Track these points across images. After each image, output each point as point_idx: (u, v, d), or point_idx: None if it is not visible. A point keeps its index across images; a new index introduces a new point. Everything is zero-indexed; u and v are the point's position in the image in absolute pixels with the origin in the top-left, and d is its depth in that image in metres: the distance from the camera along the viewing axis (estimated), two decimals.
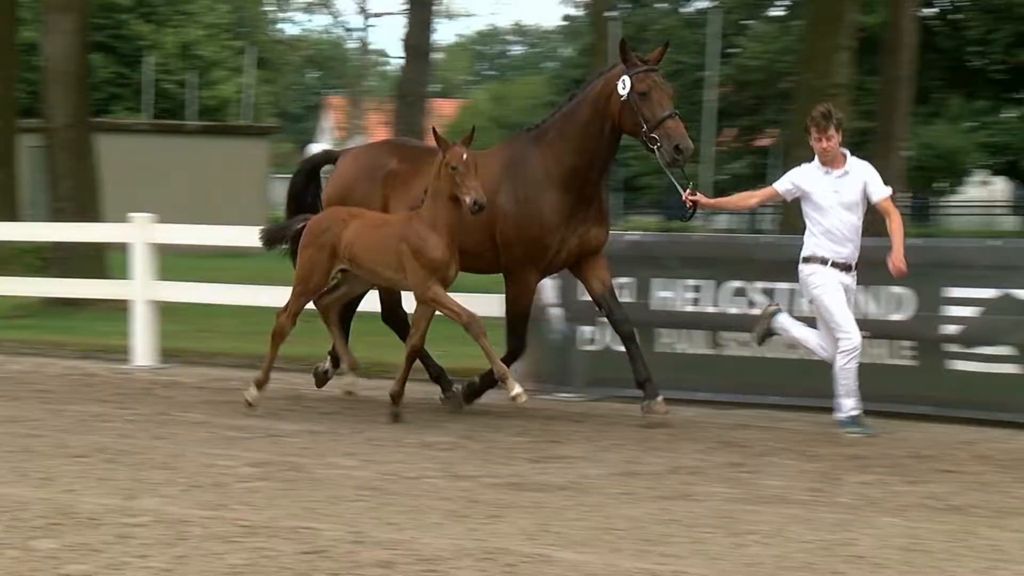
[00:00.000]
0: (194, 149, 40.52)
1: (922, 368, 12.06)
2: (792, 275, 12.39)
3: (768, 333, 11.64)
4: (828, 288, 11.04)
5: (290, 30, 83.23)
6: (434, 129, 11.29)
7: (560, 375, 13.54)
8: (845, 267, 11.11)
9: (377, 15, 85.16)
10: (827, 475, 9.55)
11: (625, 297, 13.08)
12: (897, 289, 12.08)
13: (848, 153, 11.28)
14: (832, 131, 11.02)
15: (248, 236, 13.69)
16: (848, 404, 11.08)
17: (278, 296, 14.72)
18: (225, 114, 57.37)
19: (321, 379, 12.67)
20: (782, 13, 55.58)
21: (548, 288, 13.41)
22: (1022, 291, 11.68)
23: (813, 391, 12.16)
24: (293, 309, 11.81)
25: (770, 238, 17.55)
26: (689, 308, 13.06)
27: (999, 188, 60.22)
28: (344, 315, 12.50)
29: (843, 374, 11.03)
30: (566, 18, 75.64)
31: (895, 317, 12.15)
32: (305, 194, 12.73)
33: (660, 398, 11.49)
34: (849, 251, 11.11)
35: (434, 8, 32.19)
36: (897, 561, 6.94)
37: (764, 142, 56.07)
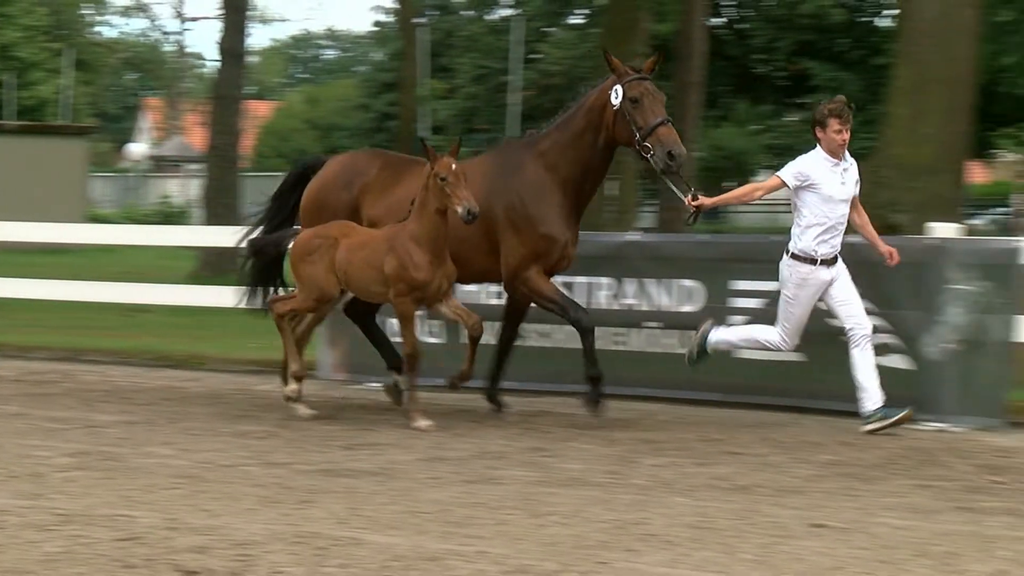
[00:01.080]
0: (12, 148, 39.59)
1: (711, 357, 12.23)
2: (589, 269, 12.59)
3: (702, 351, 11.23)
4: (808, 296, 10.65)
5: (108, 33, 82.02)
6: (423, 140, 10.79)
7: (371, 366, 13.51)
8: (833, 260, 10.65)
9: (193, 19, 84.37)
10: (623, 458, 9.64)
11: None
12: (688, 282, 12.28)
13: None
14: (850, 123, 10.65)
15: (69, 233, 13.35)
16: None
17: (102, 292, 14.60)
18: (44, 114, 56.41)
19: (394, 393, 11.74)
20: (581, 21, 55.98)
21: None
22: None
23: (614, 380, 12.30)
24: (296, 308, 11.10)
25: None
26: (494, 302, 13.12)
27: None
28: (367, 322, 11.97)
29: (751, 344, 11.08)
30: (376, 24, 75.56)
31: (686, 309, 12.33)
32: (290, 197, 11.90)
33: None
34: (840, 242, 10.71)
35: (248, 13, 32.01)
36: (686, 538, 7.03)
37: None
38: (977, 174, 53.75)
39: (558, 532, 7.18)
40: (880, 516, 7.70)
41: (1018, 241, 11.62)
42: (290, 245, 11.25)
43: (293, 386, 11.14)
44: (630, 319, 12.59)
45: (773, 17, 50.26)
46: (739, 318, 11.96)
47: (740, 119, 49.40)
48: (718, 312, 11.98)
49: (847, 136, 10.56)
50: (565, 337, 12.66)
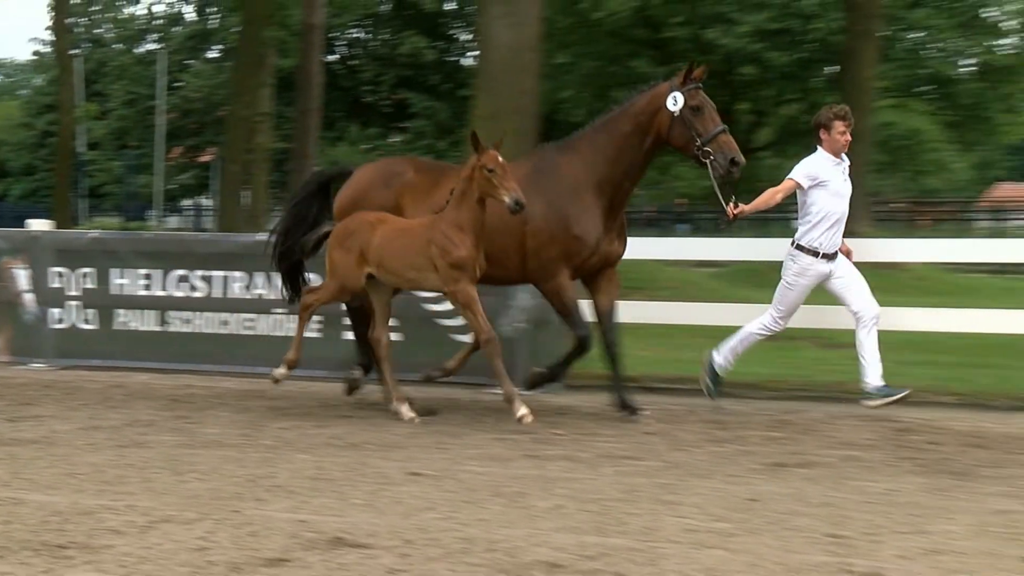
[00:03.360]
0: None
1: (325, 339, 12.27)
2: (224, 265, 12.49)
3: (715, 379, 10.35)
4: (805, 285, 9.94)
5: None
6: (474, 133, 9.36)
7: (33, 349, 13.14)
8: (833, 256, 9.92)
9: None
10: (254, 423, 9.53)
11: (87, 284, 12.94)
12: (307, 275, 12.25)
13: None
14: (851, 125, 9.98)
15: None
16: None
17: None
18: None
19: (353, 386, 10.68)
20: (217, 55, 55.23)
21: (22, 276, 13.11)
22: None
23: (244, 360, 12.32)
24: (323, 298, 9.94)
25: (206, 235, 17.54)
26: (142, 293, 12.91)
27: None
28: (359, 317, 10.63)
29: (749, 339, 10.22)
30: (36, 53, 72.92)
31: None
32: (311, 205, 10.57)
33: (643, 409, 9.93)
34: (840, 238, 10.01)
35: None
36: (307, 488, 7.00)
37: (205, 158, 55.76)
38: None
39: (198, 486, 7.06)
40: (465, 464, 7.82)
41: None
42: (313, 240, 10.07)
43: (283, 370, 9.96)
44: (260, 307, 12.52)
45: (378, 55, 50.66)
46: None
47: (352, 139, 49.43)
48: None
49: (849, 137, 9.92)
50: (204, 323, 12.63)
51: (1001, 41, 41.56)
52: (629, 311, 12.52)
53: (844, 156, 9.94)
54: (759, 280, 20.51)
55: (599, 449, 8.47)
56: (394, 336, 11.88)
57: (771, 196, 9.82)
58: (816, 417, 9.83)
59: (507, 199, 8.85)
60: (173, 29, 57.65)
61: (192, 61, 55.91)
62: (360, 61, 51.42)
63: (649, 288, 17.45)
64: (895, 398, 9.71)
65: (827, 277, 9.86)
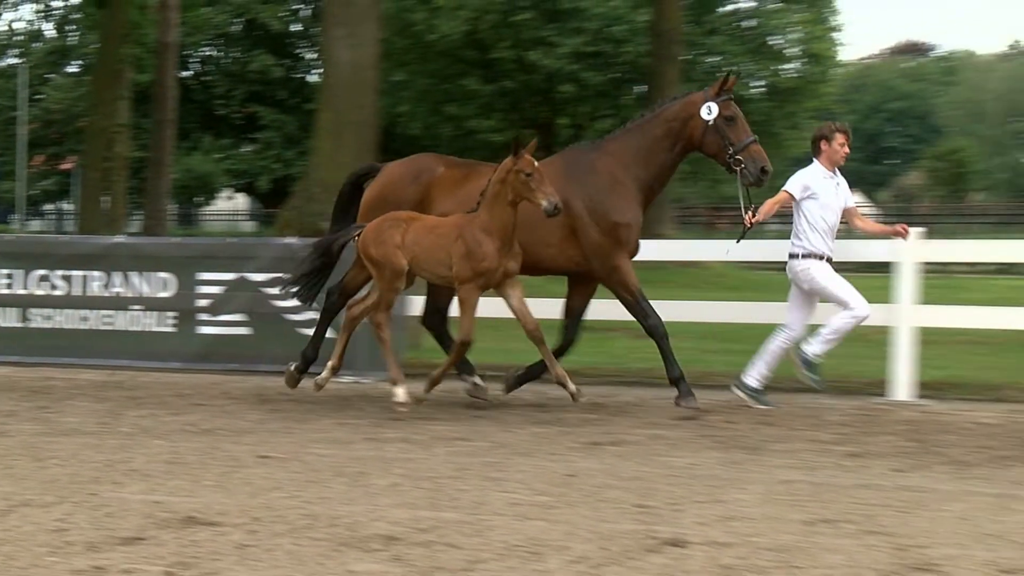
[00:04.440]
0: None
1: (179, 333, 12.07)
2: (85, 265, 12.20)
3: (811, 369, 9.47)
4: (828, 275, 9.40)
5: None
6: (516, 138, 8.87)
7: None
8: (830, 260, 9.49)
9: None
10: (112, 412, 9.30)
11: None
12: (163, 274, 12.11)
13: None
14: (851, 138, 9.62)
15: None
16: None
17: None
18: None
19: (292, 380, 9.99)
20: (77, 69, 53.74)
21: None
22: (251, 274, 11.91)
23: (103, 354, 12.08)
24: (383, 301, 9.17)
25: (67, 238, 17.04)
26: (4, 291, 12.53)
27: (240, 202, 60.89)
28: (439, 325, 10.21)
29: (840, 332, 9.42)
30: None
31: (162, 295, 12.12)
32: (351, 204, 10.00)
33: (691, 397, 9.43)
34: (833, 245, 9.57)
35: None
36: (162, 471, 6.85)
37: (67, 166, 54.27)
38: None
39: (57, 472, 6.84)
40: (310, 448, 7.74)
41: None
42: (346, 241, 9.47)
43: (326, 375, 9.47)
44: (118, 304, 12.27)
45: (229, 72, 49.79)
46: (203, 302, 11.85)
47: (206, 149, 48.53)
48: (186, 298, 11.88)
49: (848, 150, 9.55)
50: (64, 319, 12.34)
51: (785, 66, 42.81)
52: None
53: (838, 173, 9.59)
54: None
55: (433, 432, 8.45)
56: (243, 331, 11.78)
57: (770, 207, 9.41)
58: (628, 400, 9.97)
59: (544, 203, 8.40)
60: (34, 44, 55.94)
61: (53, 75, 54.30)
62: (213, 77, 50.49)
63: None
64: (761, 406, 9.42)
65: (803, 277, 9.44)
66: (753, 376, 9.49)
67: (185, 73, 46.00)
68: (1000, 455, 7.47)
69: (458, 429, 8.56)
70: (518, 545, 5.32)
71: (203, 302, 12.01)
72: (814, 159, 9.56)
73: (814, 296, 9.51)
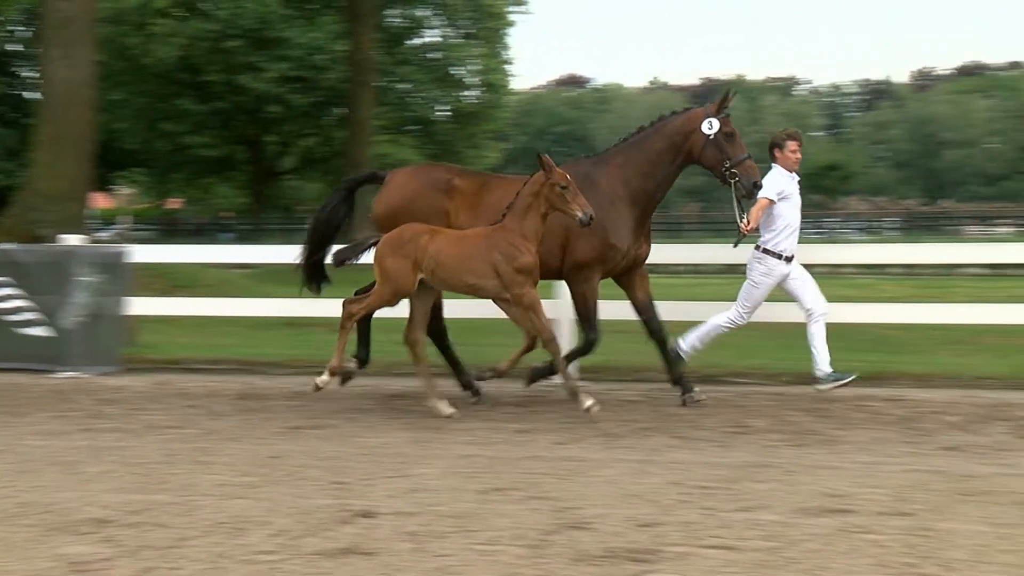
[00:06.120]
0: None
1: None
2: None
3: (679, 375, 8.90)
4: (769, 284, 8.88)
5: None
6: (540, 155, 7.99)
7: None
8: (791, 259, 8.94)
9: None
10: None
11: None
12: None
13: None
14: (802, 144, 9.11)
15: None
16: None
17: None
18: None
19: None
20: None
21: None
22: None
23: None
24: (373, 305, 8.24)
25: None
26: None
27: None
28: (437, 329, 9.03)
29: (716, 331, 9.01)
30: None
31: None
32: (339, 210, 8.97)
33: (697, 389, 8.85)
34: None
35: None
36: None
37: None
38: (101, 201, 52.74)
39: None
40: (25, 440, 7.29)
41: (125, 247, 11.44)
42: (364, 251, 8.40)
43: (325, 377, 8.29)
44: None
45: None
46: None
47: None
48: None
49: (800, 155, 9.08)
50: None
51: (466, 93, 43.65)
52: (172, 306, 12.21)
53: (796, 172, 9.17)
54: (283, 278, 20.43)
55: (146, 421, 8.12)
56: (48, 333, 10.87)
57: (757, 215, 8.81)
58: (328, 389, 9.80)
59: (580, 214, 7.86)
60: None
61: None
62: None
63: (192, 286, 16.95)
64: (844, 382, 8.87)
65: (785, 277, 9.01)
66: (821, 369, 8.92)
67: None
68: (642, 427, 7.81)
69: (170, 418, 8.25)
70: (223, 522, 5.17)
71: None
72: (774, 164, 9.16)
73: (805, 273, 9.12)
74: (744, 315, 9.04)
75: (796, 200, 9.03)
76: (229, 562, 4.62)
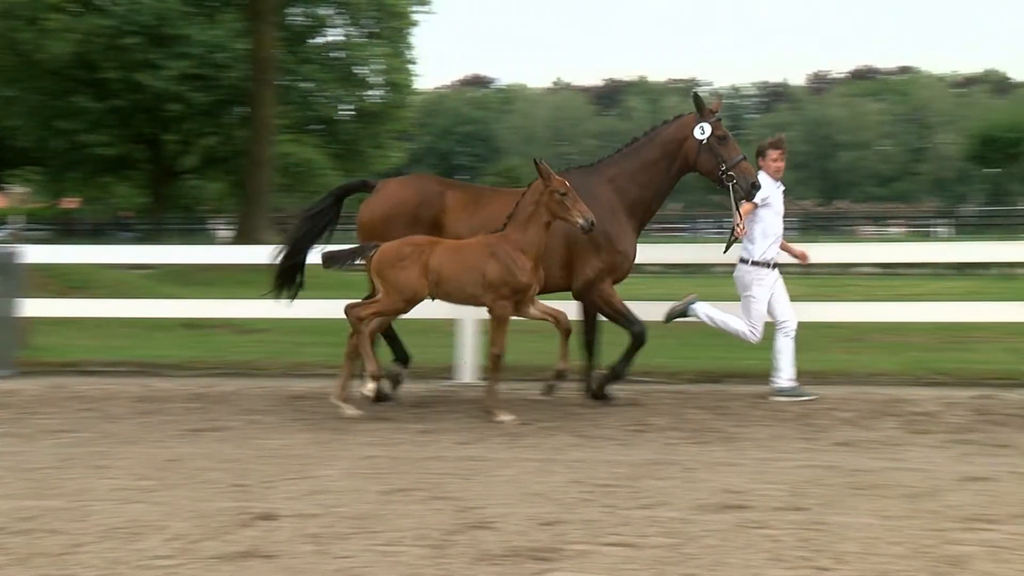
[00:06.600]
0: None
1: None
2: None
3: (681, 314, 8.94)
4: (764, 293, 8.83)
5: None
6: (536, 161, 7.85)
7: None
8: (775, 266, 8.92)
9: None
10: None
11: None
12: None
13: None
14: (785, 153, 9.02)
15: None
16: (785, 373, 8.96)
17: None
18: None
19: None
20: None
21: None
22: None
23: None
24: (383, 311, 8.08)
25: None
26: None
27: None
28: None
29: (730, 332, 8.91)
30: None
31: None
32: (326, 215, 8.76)
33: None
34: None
35: None
36: None
37: None
38: None
39: None
40: None
41: (18, 247, 11.13)
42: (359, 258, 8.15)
43: (371, 385, 8.08)
44: None
45: None
46: None
47: None
48: None
49: (782, 164, 9.01)
50: None
51: (369, 92, 43.45)
52: (67, 308, 11.94)
53: (780, 181, 9.13)
54: (183, 279, 20.12)
55: (40, 425, 7.92)
56: None
57: (744, 216, 8.72)
58: (228, 390, 9.69)
59: (581, 221, 7.74)
60: None
61: None
62: None
63: (89, 287, 16.59)
64: (803, 399, 8.82)
65: (773, 284, 8.95)
66: (783, 379, 8.96)
67: None
68: (545, 426, 7.84)
69: (64, 422, 8.06)
70: (119, 527, 5.07)
71: None
72: (760, 171, 9.07)
73: (782, 283, 9.07)
74: (757, 333, 8.95)
75: (779, 208, 9.03)
76: (125, 568, 4.53)
